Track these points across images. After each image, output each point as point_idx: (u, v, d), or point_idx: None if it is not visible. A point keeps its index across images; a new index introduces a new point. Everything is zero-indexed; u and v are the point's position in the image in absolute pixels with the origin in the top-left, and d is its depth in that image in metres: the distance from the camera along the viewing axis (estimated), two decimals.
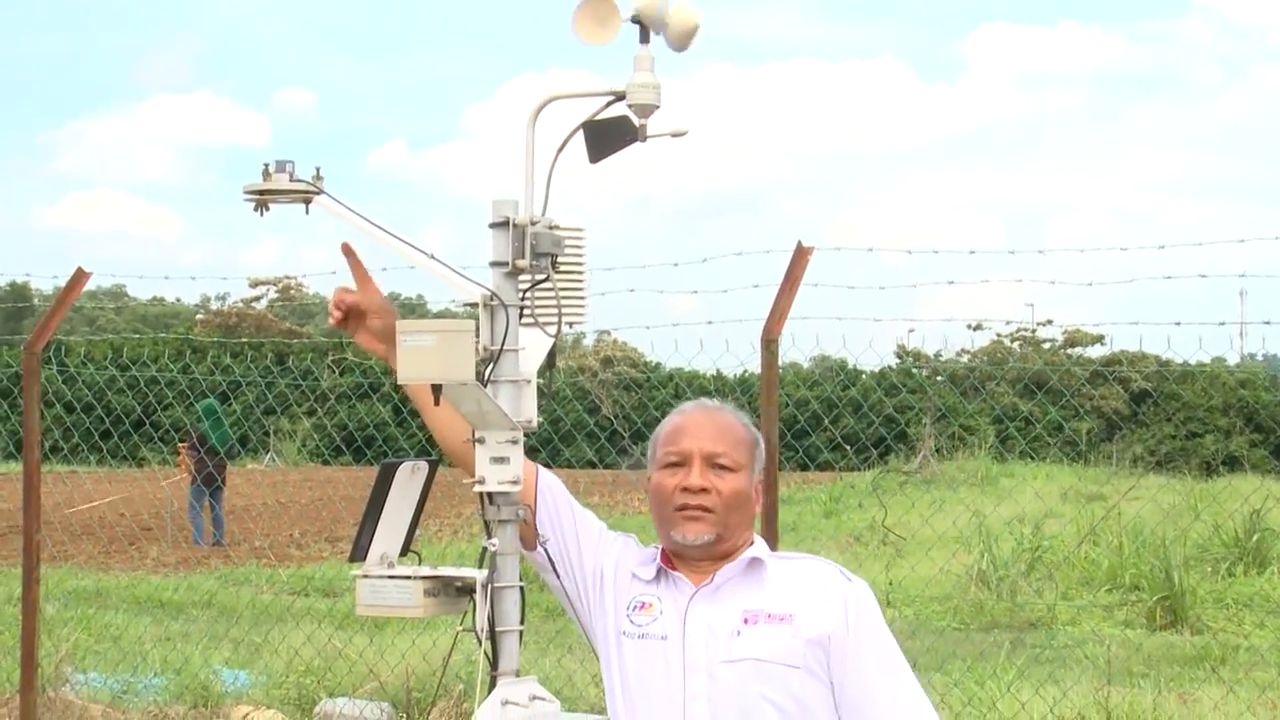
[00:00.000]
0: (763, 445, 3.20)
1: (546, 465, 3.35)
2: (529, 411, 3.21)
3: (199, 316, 53.18)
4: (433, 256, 3.23)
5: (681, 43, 3.12)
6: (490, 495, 3.17)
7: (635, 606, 3.10)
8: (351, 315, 3.27)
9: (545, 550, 3.20)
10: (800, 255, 6.44)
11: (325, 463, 26.20)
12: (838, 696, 2.95)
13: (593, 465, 23.70)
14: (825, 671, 2.94)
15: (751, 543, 3.12)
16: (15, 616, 8.83)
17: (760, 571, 3.05)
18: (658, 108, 3.11)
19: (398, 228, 3.23)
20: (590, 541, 3.23)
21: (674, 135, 3.15)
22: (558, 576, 3.23)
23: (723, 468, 3.08)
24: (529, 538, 3.18)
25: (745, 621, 2.97)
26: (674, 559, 3.12)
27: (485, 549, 3.18)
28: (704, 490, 3.06)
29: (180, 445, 18.46)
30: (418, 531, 3.37)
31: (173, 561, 15.79)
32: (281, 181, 3.22)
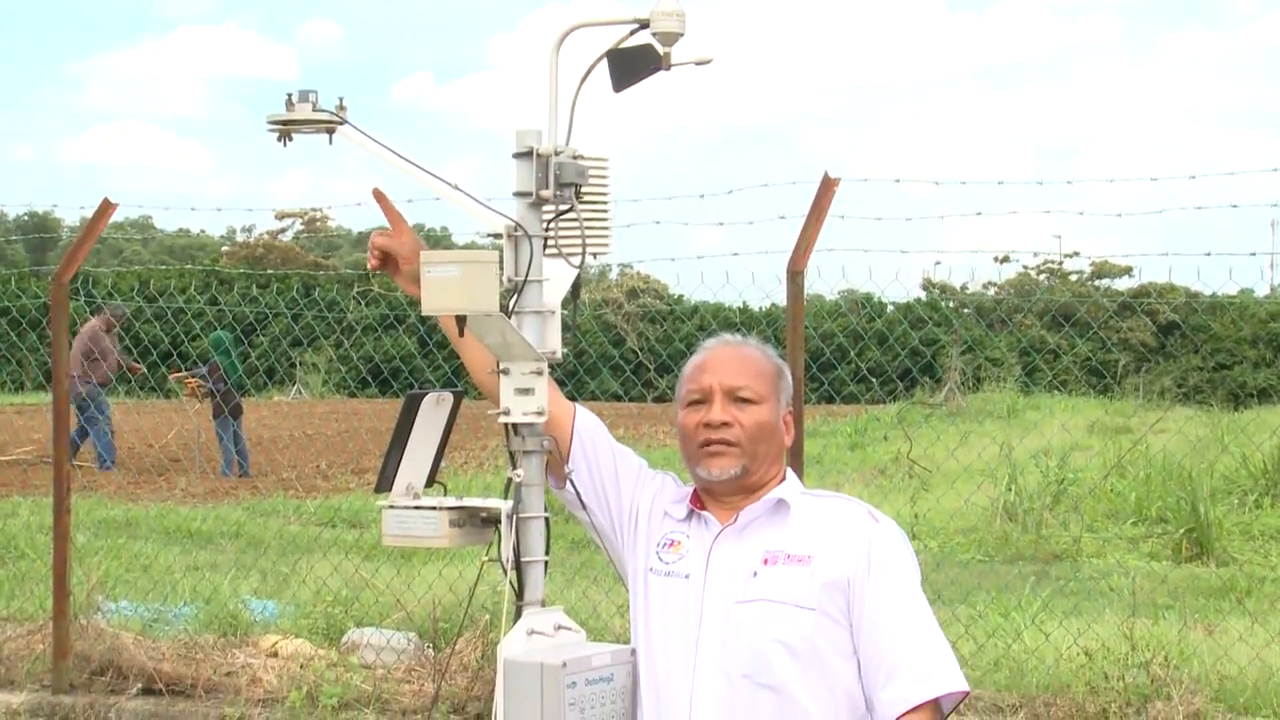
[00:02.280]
0: (789, 376, 3.18)
1: (572, 398, 3.35)
2: (553, 343, 3.21)
3: (225, 248, 53.30)
4: (456, 187, 3.22)
5: None
6: (515, 426, 3.17)
7: (664, 544, 3.11)
8: (388, 259, 3.30)
9: (575, 488, 3.20)
10: (826, 186, 6.41)
11: (351, 395, 26.31)
12: (855, 639, 2.93)
13: (618, 398, 23.74)
14: (844, 615, 2.92)
15: (783, 478, 3.11)
16: (47, 545, 8.92)
17: (785, 511, 3.03)
18: (682, 35, 3.08)
19: (421, 158, 3.22)
20: (629, 480, 3.22)
21: (698, 64, 3.12)
22: (588, 514, 3.24)
23: (745, 400, 3.07)
24: (559, 475, 3.19)
25: (765, 562, 2.96)
26: (704, 497, 3.12)
27: (510, 480, 3.19)
28: (726, 424, 3.05)
29: (186, 378, 18.49)
30: (443, 463, 3.38)
31: (201, 492, 15.90)
32: (305, 112, 3.22)
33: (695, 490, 3.14)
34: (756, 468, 3.06)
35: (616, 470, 3.23)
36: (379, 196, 3.30)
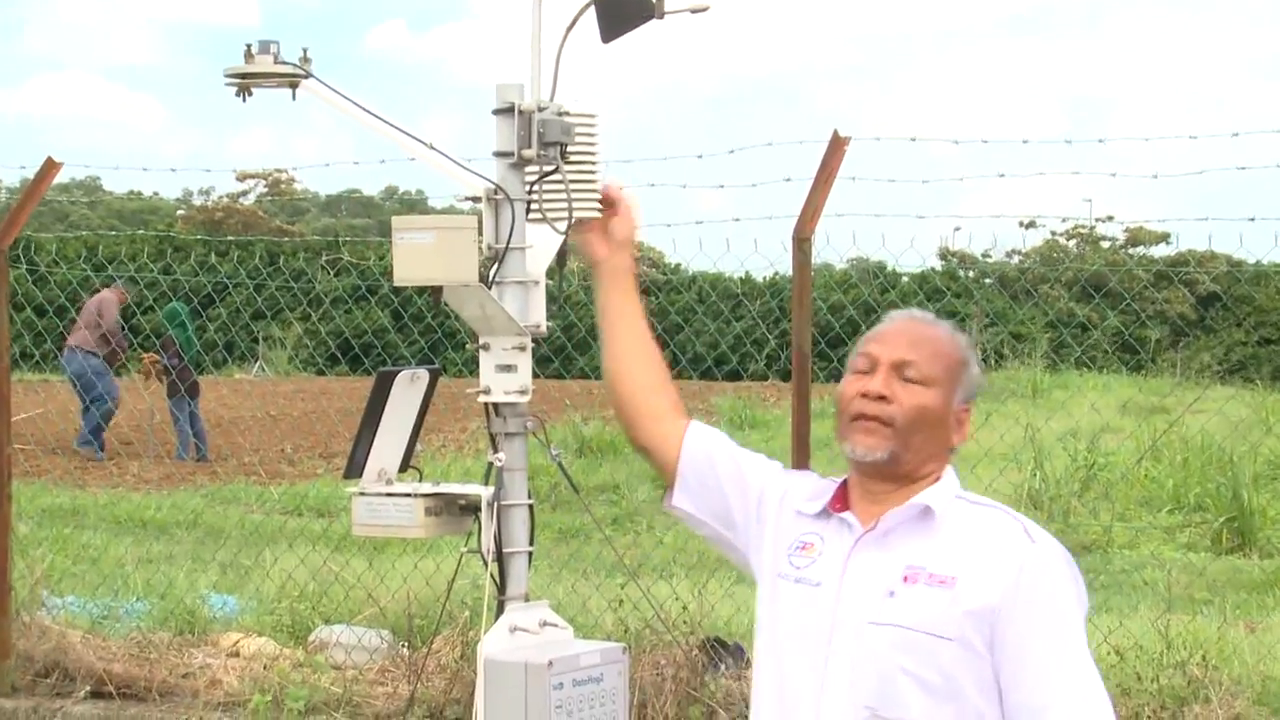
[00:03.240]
0: (975, 370, 3.05)
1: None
2: (537, 315, 3.22)
3: (180, 213, 53.16)
4: (431, 146, 3.22)
5: None
6: (496, 406, 3.18)
7: (797, 547, 3.03)
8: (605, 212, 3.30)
9: (682, 509, 3.21)
10: (836, 146, 6.41)
11: (320, 372, 26.25)
12: (999, 675, 2.82)
13: None
14: (988, 648, 2.81)
15: (938, 478, 2.99)
16: None
17: (931, 519, 2.93)
18: None
19: (396, 115, 3.22)
20: (753, 489, 3.16)
21: (694, 11, 3.12)
22: (706, 529, 3.22)
23: (910, 380, 2.95)
24: (666, 491, 3.20)
25: (905, 580, 2.86)
26: (851, 486, 3.04)
27: (491, 464, 3.20)
28: (883, 399, 2.94)
29: (144, 354, 18.51)
30: (419, 446, 3.39)
31: (155, 478, 15.91)
32: (265, 64, 3.22)
33: (841, 485, 3.06)
34: (909, 458, 2.94)
35: (740, 479, 3.17)
36: (609, 194, 3.33)
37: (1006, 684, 2.81)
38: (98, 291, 17.59)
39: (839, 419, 3.01)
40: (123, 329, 17.93)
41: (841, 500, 3.01)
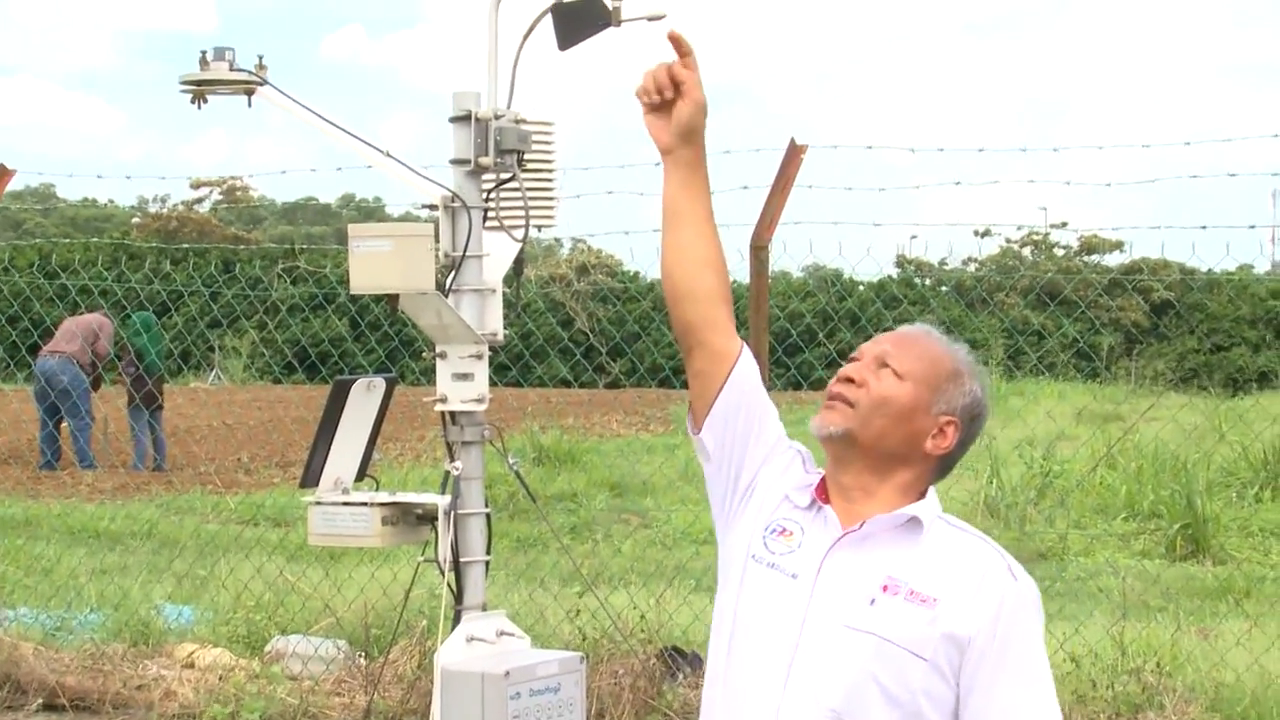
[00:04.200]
0: (969, 386, 3.01)
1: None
2: (494, 324, 3.21)
3: (135, 220, 52.89)
4: (388, 154, 3.22)
5: None
6: (453, 415, 3.17)
7: (775, 530, 2.98)
8: (666, 98, 3.06)
9: (707, 440, 3.08)
10: (793, 154, 6.42)
11: (276, 381, 26.15)
12: (961, 706, 2.83)
13: (567, 384, 23.71)
14: (954, 674, 2.82)
15: (922, 493, 2.97)
16: None
17: (917, 532, 2.91)
18: None
19: (353, 121, 3.22)
20: (762, 447, 3.10)
21: (651, 19, 3.11)
22: (712, 467, 3.11)
23: (886, 367, 2.96)
24: (698, 415, 3.08)
25: (884, 589, 2.85)
26: (828, 482, 3.00)
27: (448, 473, 3.19)
28: (851, 380, 2.95)
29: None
30: (375, 455, 3.38)
31: (109, 488, 15.80)
32: (221, 71, 3.21)
33: (821, 480, 3.03)
34: (866, 439, 2.92)
35: (757, 431, 3.10)
36: (676, 38, 3.04)
37: (968, 716, 2.83)
38: (79, 312, 17.55)
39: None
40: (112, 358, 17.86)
41: (822, 494, 2.99)
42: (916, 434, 2.96)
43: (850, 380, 2.95)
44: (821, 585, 2.88)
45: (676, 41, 3.03)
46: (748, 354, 3.10)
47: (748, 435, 3.08)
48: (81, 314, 17.57)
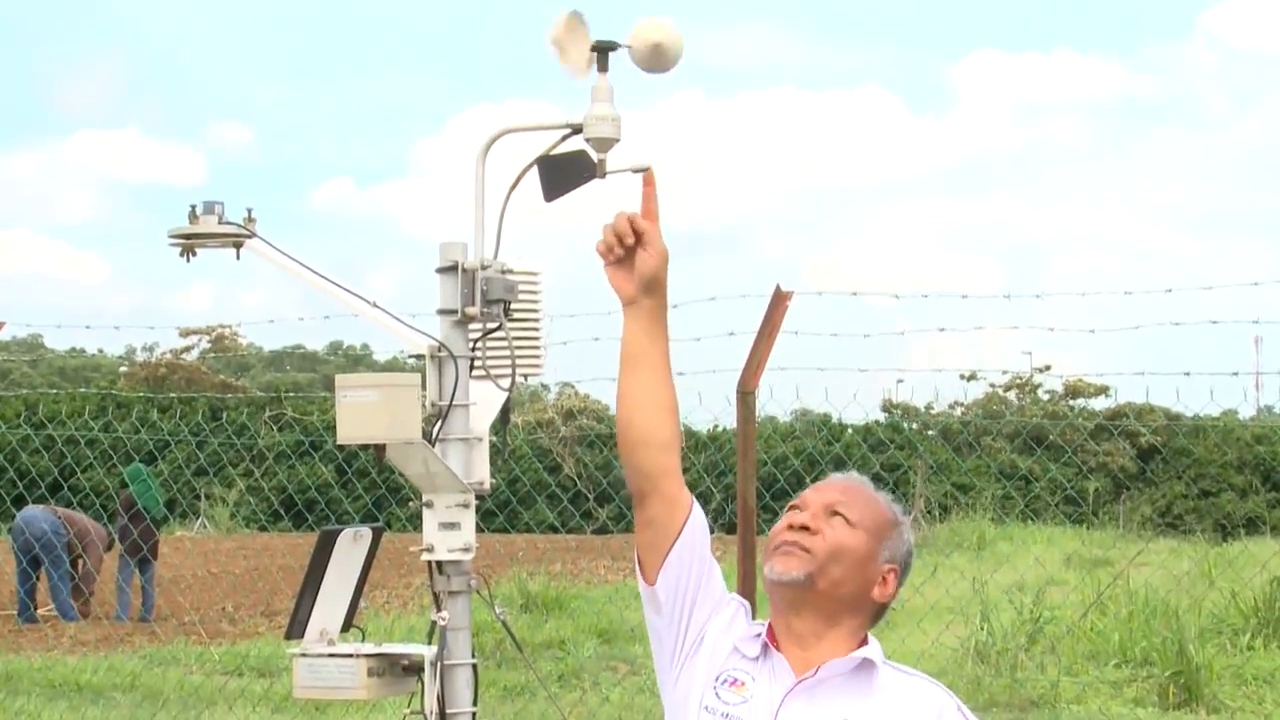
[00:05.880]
0: (904, 535, 3.07)
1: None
2: (481, 472, 3.21)
3: (123, 369, 52.97)
4: (375, 304, 3.24)
5: (652, 63, 3.12)
6: (439, 564, 3.16)
7: (726, 681, 2.98)
8: (629, 245, 3.03)
9: (660, 592, 3.07)
10: (779, 300, 6.47)
11: (262, 528, 26.06)
12: None
13: (554, 529, 23.62)
14: None
15: (864, 641, 3.00)
16: None
17: (870, 676, 2.93)
18: (618, 141, 3.12)
19: (345, 268, 3.24)
20: (710, 600, 3.10)
21: (636, 171, 3.15)
22: (661, 619, 3.10)
23: (838, 515, 2.98)
24: (649, 566, 3.07)
25: None
26: (776, 629, 3.00)
27: (435, 623, 3.17)
28: (807, 529, 2.96)
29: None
30: (361, 604, 3.36)
31: (92, 640, 15.63)
32: (210, 225, 3.23)
33: (769, 628, 3.03)
34: (824, 587, 2.94)
35: (705, 583, 3.10)
36: (650, 180, 3.04)
37: None
38: (64, 462, 17.56)
39: (764, 554, 3.01)
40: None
41: (772, 640, 2.99)
42: (868, 582, 2.99)
43: (805, 528, 2.96)
44: None
45: (650, 184, 3.04)
46: (697, 505, 3.11)
47: (699, 586, 3.08)
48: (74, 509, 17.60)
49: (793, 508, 3.04)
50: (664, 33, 3.08)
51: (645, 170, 3.09)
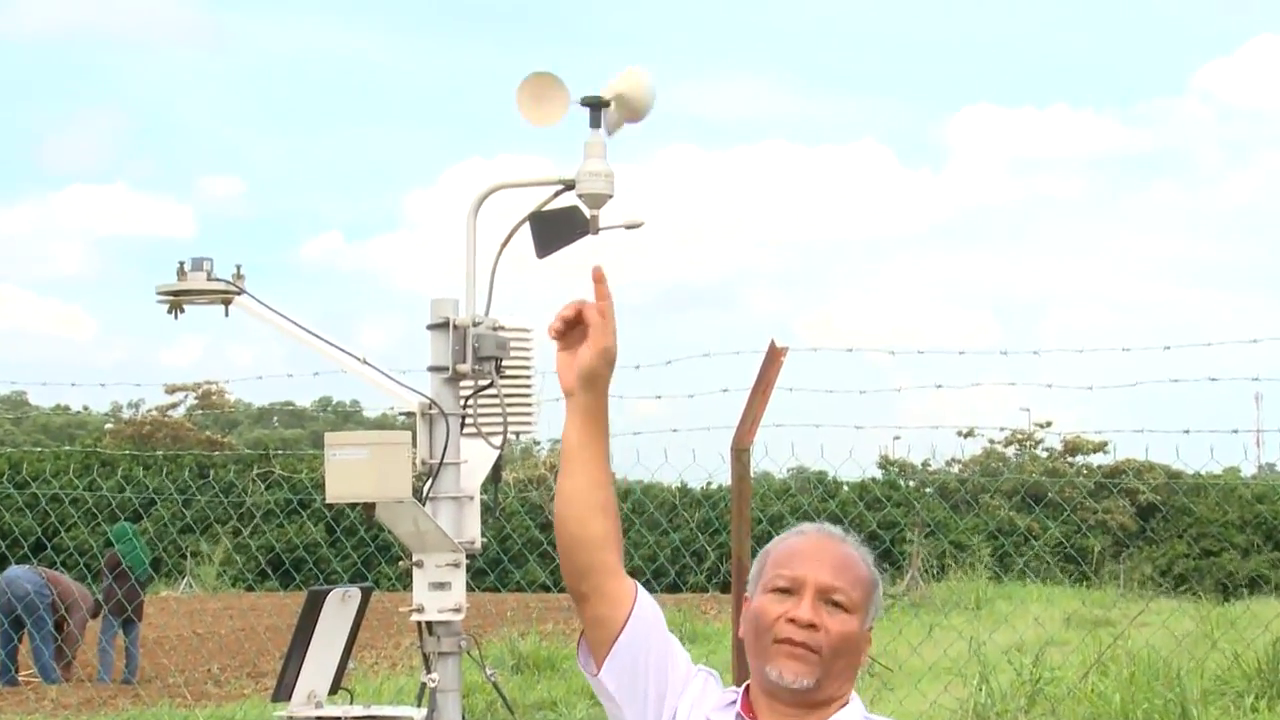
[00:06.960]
0: (881, 589, 3.06)
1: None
2: (472, 531, 3.21)
3: (109, 426, 52.83)
4: (365, 361, 3.24)
5: (638, 115, 3.15)
6: (429, 625, 3.15)
7: None
8: (578, 330, 3.00)
9: (608, 681, 3.04)
10: (773, 356, 6.48)
11: (249, 588, 25.93)
12: None
13: (546, 589, 23.52)
14: None
15: (847, 701, 2.99)
16: None
17: None
18: (610, 197, 3.13)
19: (335, 322, 3.26)
20: (677, 680, 3.07)
21: (629, 227, 3.17)
22: (617, 707, 3.07)
23: (837, 605, 2.94)
24: (596, 656, 3.05)
25: None
26: (757, 701, 2.99)
27: (424, 685, 3.16)
28: (812, 626, 2.92)
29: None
30: (350, 665, 3.35)
31: (74, 702, 15.53)
32: (198, 281, 3.24)
33: (747, 689, 3.01)
34: (829, 684, 2.93)
35: (670, 662, 3.07)
36: (599, 278, 3.00)
37: None
38: (48, 521, 17.50)
39: (758, 639, 2.97)
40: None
41: (748, 710, 2.97)
42: (859, 656, 2.99)
43: (812, 625, 2.92)
44: None
45: (599, 280, 3.00)
46: (642, 590, 3.08)
47: (660, 669, 3.05)
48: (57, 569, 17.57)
49: (780, 590, 2.98)
50: (626, 82, 3.10)
51: (638, 225, 3.11)
